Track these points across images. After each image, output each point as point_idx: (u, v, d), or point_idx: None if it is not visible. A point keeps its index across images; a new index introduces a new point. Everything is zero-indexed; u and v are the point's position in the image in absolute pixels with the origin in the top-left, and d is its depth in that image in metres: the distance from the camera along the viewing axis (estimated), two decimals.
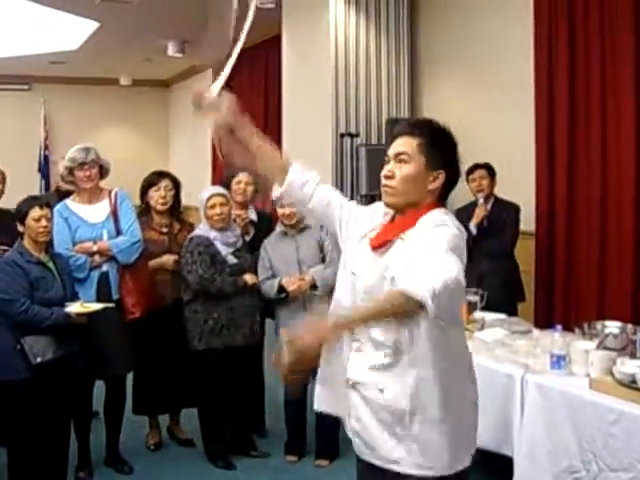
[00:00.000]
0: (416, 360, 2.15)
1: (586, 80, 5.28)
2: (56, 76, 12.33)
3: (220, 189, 4.45)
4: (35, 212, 3.72)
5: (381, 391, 2.19)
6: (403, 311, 1.97)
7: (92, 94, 12.83)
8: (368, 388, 2.22)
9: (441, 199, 2.27)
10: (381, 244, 2.24)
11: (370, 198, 5.92)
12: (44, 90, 12.62)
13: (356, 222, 2.38)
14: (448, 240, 2.06)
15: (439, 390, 2.17)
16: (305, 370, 2.04)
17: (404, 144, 2.24)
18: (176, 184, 4.58)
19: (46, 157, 12.49)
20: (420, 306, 1.89)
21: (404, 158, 2.21)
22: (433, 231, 2.10)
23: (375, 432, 2.23)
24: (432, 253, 2.00)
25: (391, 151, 2.26)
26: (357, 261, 2.29)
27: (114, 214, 4.24)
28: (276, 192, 2.45)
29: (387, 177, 2.23)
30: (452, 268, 1.94)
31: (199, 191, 4.48)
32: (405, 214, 2.24)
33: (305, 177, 2.41)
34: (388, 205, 2.27)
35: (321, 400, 2.44)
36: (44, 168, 12.44)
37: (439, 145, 2.25)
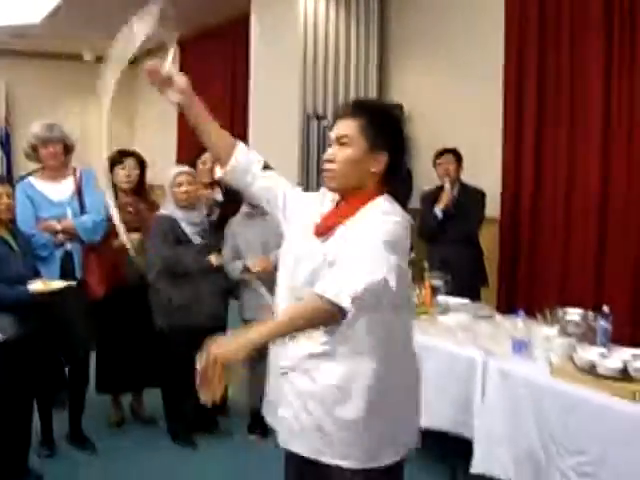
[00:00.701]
0: (353, 350, 2.13)
1: (555, 67, 5.32)
2: (17, 50, 12.05)
3: (187, 168, 4.42)
4: None
5: (312, 380, 2.17)
6: (324, 315, 1.90)
7: (55, 69, 12.57)
8: (299, 376, 2.20)
9: (386, 183, 2.22)
10: (323, 230, 2.19)
11: None
12: (5, 65, 12.32)
13: (301, 208, 2.31)
14: (387, 231, 2.02)
15: (373, 382, 2.16)
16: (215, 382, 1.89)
17: (345, 126, 2.18)
18: (141, 163, 4.54)
19: (7, 132, 12.26)
20: (340, 310, 1.86)
21: (345, 141, 2.16)
22: (373, 221, 2.07)
23: (304, 421, 2.20)
24: (364, 249, 1.97)
25: (333, 134, 2.21)
26: (300, 246, 2.23)
27: (79, 192, 4.18)
28: (219, 173, 2.43)
29: (328, 161, 2.19)
30: (378, 269, 1.91)
31: (165, 169, 4.45)
32: (348, 200, 2.19)
33: (249, 161, 2.35)
34: (330, 189, 2.23)
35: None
36: (5, 143, 12.20)
37: (382, 126, 2.19)
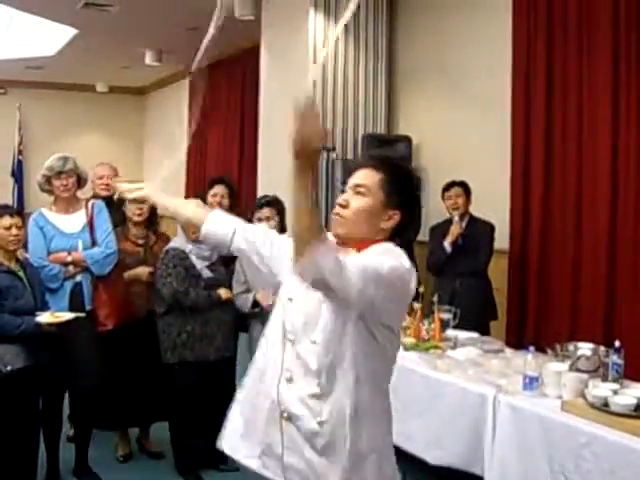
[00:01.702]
0: (350, 386, 2.10)
1: (563, 100, 5.34)
2: (32, 81, 12.25)
3: (197, 201, 4.42)
4: (5, 220, 3.70)
5: (320, 424, 2.11)
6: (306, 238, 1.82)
7: (68, 100, 12.77)
8: (305, 419, 2.12)
9: (392, 239, 2.18)
10: None
11: None
12: (20, 94, 12.53)
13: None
14: (387, 260, 2.01)
15: (374, 415, 2.16)
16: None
17: (366, 176, 2.16)
18: None
19: (20, 162, 12.41)
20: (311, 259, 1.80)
21: (362, 190, 2.14)
22: (373, 255, 2.05)
23: (319, 463, 2.13)
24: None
25: (351, 181, 2.19)
26: (293, 288, 2.17)
27: (90, 225, 4.20)
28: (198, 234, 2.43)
29: (341, 206, 2.15)
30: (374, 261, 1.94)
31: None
32: (349, 246, 2.13)
33: (222, 226, 2.35)
34: (336, 235, 2.15)
35: (233, 437, 2.42)
36: (17, 172, 12.33)
37: (401, 185, 2.18)
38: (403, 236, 2.22)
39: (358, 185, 2.16)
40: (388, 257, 2.04)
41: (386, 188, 2.14)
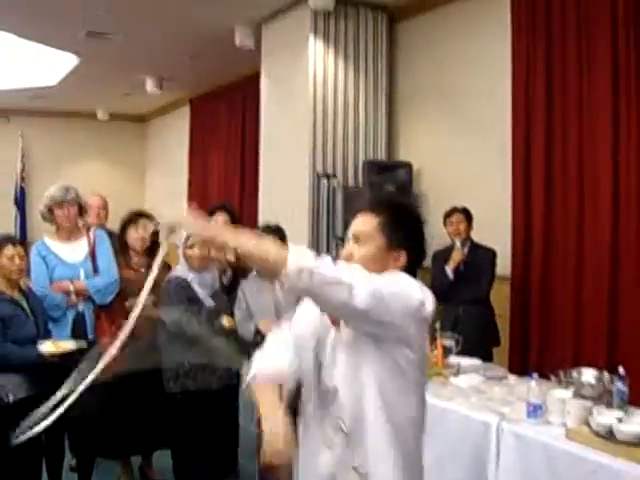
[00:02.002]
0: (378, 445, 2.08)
1: (563, 126, 5.35)
2: (35, 109, 12.31)
3: None
4: (8, 250, 3.73)
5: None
6: (271, 261, 1.88)
7: (69, 127, 12.82)
8: None
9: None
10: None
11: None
12: (22, 122, 12.59)
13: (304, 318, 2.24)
14: (391, 277, 2.02)
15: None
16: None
17: (364, 223, 2.15)
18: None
19: (22, 189, 12.45)
20: (280, 273, 1.85)
21: (362, 238, 2.13)
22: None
23: None
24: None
25: (351, 230, 2.17)
26: (324, 352, 2.16)
27: (92, 254, 4.24)
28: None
29: (345, 259, 2.14)
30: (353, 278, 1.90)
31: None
32: None
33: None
34: None
35: None
36: (20, 200, 12.37)
37: (401, 224, 2.16)
38: (419, 266, 2.21)
39: (357, 234, 2.15)
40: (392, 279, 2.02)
41: (386, 231, 2.13)
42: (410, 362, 2.08)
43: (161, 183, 13.17)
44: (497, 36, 5.94)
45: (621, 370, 3.38)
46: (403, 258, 2.14)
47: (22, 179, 12.51)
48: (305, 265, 1.84)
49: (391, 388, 2.07)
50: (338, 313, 2.00)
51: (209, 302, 4.28)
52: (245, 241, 1.94)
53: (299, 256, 1.87)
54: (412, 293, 2.03)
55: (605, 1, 5.01)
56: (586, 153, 5.20)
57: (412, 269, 2.17)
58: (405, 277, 2.07)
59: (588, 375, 3.62)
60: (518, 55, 5.69)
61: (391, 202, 2.29)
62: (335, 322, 2.13)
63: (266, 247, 1.93)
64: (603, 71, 5.04)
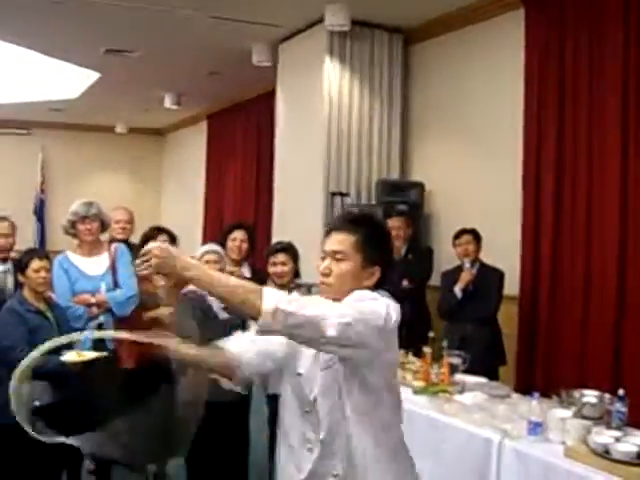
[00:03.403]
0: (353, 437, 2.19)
1: (573, 149, 5.42)
2: (55, 122, 12.53)
3: (214, 246, 4.58)
4: (35, 263, 3.88)
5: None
6: (245, 300, 1.97)
7: (88, 141, 13.03)
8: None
9: (376, 289, 2.27)
10: None
11: None
12: (43, 135, 12.82)
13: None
14: (357, 297, 2.12)
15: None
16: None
17: (341, 241, 2.25)
18: (173, 239, 4.73)
19: (42, 201, 12.66)
20: (256, 314, 1.93)
21: (340, 256, 2.23)
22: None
23: None
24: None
25: (327, 247, 2.27)
26: (301, 361, 2.29)
27: (112, 267, 4.38)
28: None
29: (324, 274, 2.25)
30: (323, 309, 2.00)
31: (190, 240, 4.62)
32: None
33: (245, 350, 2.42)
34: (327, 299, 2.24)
35: None
36: (39, 211, 12.57)
37: (376, 242, 2.28)
38: (383, 287, 2.31)
39: (335, 252, 2.25)
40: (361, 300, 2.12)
41: (363, 249, 2.24)
42: (382, 375, 2.22)
43: (177, 197, 13.31)
44: (510, 59, 6.04)
45: (621, 391, 3.44)
46: (377, 274, 2.27)
47: (42, 191, 12.72)
48: (280, 307, 1.93)
49: (364, 401, 2.19)
50: (312, 346, 2.10)
51: (223, 315, 4.41)
52: (218, 281, 2.04)
53: (273, 299, 1.95)
54: (377, 309, 2.12)
55: (617, 24, 5.08)
56: (596, 176, 5.26)
57: (382, 283, 2.29)
58: (368, 294, 2.17)
59: (589, 396, 3.69)
60: (530, 78, 5.77)
61: (366, 221, 2.36)
62: None
63: (240, 289, 2.00)
64: (614, 95, 5.10)
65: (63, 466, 4.14)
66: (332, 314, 2.00)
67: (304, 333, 1.99)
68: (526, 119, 5.81)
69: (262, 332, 1.99)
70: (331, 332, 1.98)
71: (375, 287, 2.27)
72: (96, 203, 4.47)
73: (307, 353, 2.27)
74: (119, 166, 13.47)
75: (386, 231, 2.41)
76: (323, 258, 2.28)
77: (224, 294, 2.03)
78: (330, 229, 2.33)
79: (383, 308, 2.13)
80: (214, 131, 11.66)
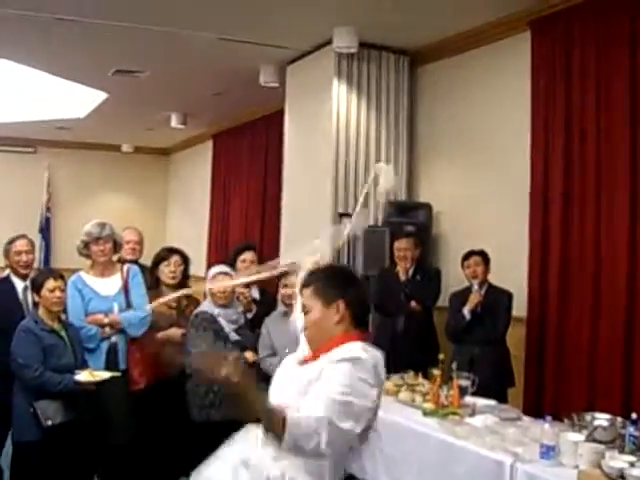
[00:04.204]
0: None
1: (581, 170, 5.42)
2: (61, 141, 12.56)
3: (225, 268, 4.62)
4: (50, 283, 3.92)
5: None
6: (273, 424, 2.25)
7: (94, 159, 13.03)
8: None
9: (358, 322, 2.55)
10: (304, 361, 2.56)
11: (365, 278, 6.08)
12: (49, 154, 12.85)
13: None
14: (344, 384, 2.30)
15: None
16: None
17: (304, 297, 2.56)
18: (185, 260, 4.76)
19: (47, 219, 12.67)
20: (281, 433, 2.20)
21: (307, 309, 2.53)
22: (335, 368, 2.35)
23: None
24: (320, 403, 2.28)
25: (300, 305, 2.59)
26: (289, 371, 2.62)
27: (125, 288, 4.41)
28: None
29: (303, 330, 2.58)
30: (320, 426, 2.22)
31: (195, 260, 4.67)
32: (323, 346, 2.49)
33: None
34: (312, 348, 2.55)
35: None
36: (45, 229, 12.59)
37: (327, 281, 2.54)
38: (362, 305, 2.61)
39: (303, 307, 2.57)
40: (343, 379, 2.32)
41: (318, 293, 2.52)
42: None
43: (182, 216, 13.32)
44: (516, 81, 6.07)
45: (634, 415, 3.45)
46: (342, 306, 2.51)
47: (47, 209, 12.73)
48: (298, 444, 2.22)
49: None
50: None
51: (234, 336, 4.44)
52: (254, 400, 2.33)
53: (294, 435, 2.21)
54: (364, 388, 2.34)
55: (624, 45, 5.10)
56: (604, 197, 5.25)
57: (357, 308, 2.55)
58: (354, 375, 2.34)
59: (601, 419, 3.68)
60: (537, 100, 5.78)
61: (315, 272, 2.63)
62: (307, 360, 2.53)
63: (269, 416, 2.28)
64: (622, 115, 5.11)
65: None
66: (325, 425, 2.25)
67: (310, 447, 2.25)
68: (533, 140, 5.83)
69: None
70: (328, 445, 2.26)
71: (353, 316, 2.52)
72: (109, 224, 4.50)
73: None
74: (125, 185, 13.48)
75: (335, 267, 2.78)
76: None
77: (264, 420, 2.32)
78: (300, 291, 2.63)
79: (371, 378, 2.37)
80: (220, 151, 11.66)
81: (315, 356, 2.49)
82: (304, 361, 2.56)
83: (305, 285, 2.56)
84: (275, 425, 2.23)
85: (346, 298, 2.51)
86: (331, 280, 2.56)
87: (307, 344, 2.57)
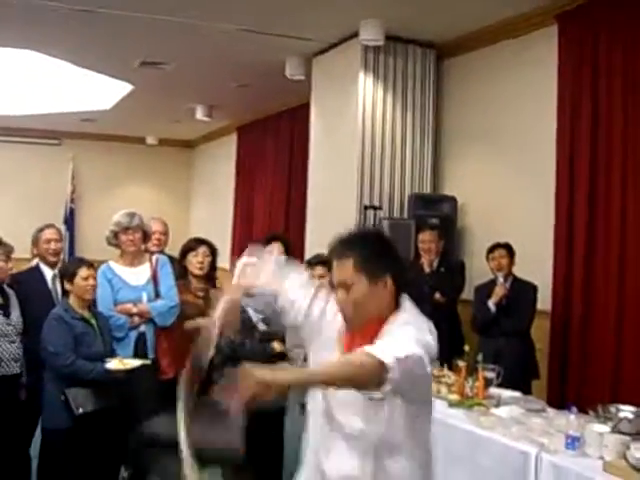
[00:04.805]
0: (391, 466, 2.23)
1: (607, 164, 5.41)
2: (86, 132, 12.65)
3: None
4: (83, 272, 3.99)
5: None
6: (365, 372, 1.91)
7: (119, 151, 13.14)
8: None
9: (398, 294, 2.24)
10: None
11: None
12: (74, 146, 12.95)
13: (328, 320, 2.36)
14: (411, 336, 2.08)
15: None
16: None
17: (341, 270, 2.21)
18: (213, 251, 4.80)
19: (72, 210, 12.80)
20: (382, 371, 1.88)
21: (347, 284, 2.19)
22: (397, 330, 2.13)
23: None
24: (400, 336, 2.07)
25: (334, 279, 2.24)
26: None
27: (154, 278, 4.46)
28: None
29: (340, 308, 2.23)
30: (415, 349, 2.00)
31: (219, 252, 4.73)
32: (369, 326, 2.20)
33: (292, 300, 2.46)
34: (353, 330, 2.24)
35: None
36: (69, 220, 12.71)
37: (373, 254, 2.21)
38: (407, 282, 2.30)
39: (340, 282, 2.22)
40: (409, 333, 2.10)
41: (363, 268, 2.19)
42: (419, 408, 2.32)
43: (206, 208, 13.37)
44: (543, 75, 6.06)
45: None
46: (390, 282, 2.21)
47: (72, 200, 12.84)
48: (394, 354, 1.93)
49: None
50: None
51: (262, 326, 4.47)
52: (324, 371, 2.02)
53: (383, 350, 1.95)
54: (426, 370, 2.12)
55: None
56: (629, 192, 5.26)
57: (402, 284, 2.26)
58: (406, 334, 2.11)
59: (625, 411, 3.69)
60: (563, 94, 5.77)
61: (355, 238, 2.30)
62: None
63: (340, 363, 2.04)
64: None
65: (103, 472, 4.20)
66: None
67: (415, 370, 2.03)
68: (559, 134, 5.81)
69: (395, 388, 1.97)
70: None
71: (397, 292, 2.25)
72: (138, 214, 4.55)
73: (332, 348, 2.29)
74: (149, 177, 13.56)
75: (380, 235, 2.40)
76: (337, 289, 2.26)
77: (343, 382, 1.98)
78: (329, 260, 2.31)
79: (423, 344, 2.11)
80: (244, 143, 11.69)
81: (362, 343, 2.12)
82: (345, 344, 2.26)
83: (343, 255, 2.21)
84: (366, 373, 1.91)
85: (393, 273, 2.21)
86: (376, 252, 2.22)
87: (348, 323, 2.23)
